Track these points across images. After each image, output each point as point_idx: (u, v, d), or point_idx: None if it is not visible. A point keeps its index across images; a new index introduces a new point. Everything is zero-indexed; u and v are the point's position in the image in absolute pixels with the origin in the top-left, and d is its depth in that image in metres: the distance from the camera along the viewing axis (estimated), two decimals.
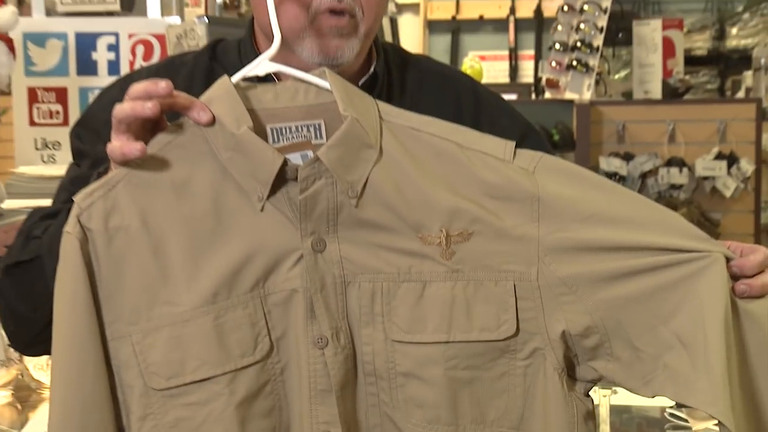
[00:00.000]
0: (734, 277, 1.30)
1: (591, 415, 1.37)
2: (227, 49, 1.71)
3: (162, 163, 1.33)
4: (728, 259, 1.30)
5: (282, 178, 1.32)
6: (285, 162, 1.31)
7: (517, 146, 1.38)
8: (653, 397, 1.32)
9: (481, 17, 9.01)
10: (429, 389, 1.34)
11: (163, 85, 1.30)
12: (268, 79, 1.50)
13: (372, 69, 1.69)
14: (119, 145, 1.31)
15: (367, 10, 1.59)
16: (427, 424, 1.34)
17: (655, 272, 1.29)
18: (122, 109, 1.31)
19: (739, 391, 1.26)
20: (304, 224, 1.33)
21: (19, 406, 2.39)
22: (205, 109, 1.33)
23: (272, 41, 1.53)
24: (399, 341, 1.34)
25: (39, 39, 4.08)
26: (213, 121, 1.33)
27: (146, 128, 1.34)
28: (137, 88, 1.31)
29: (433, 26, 9.16)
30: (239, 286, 1.33)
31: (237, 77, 1.39)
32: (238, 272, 1.33)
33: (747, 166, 5.18)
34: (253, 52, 1.64)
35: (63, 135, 4.04)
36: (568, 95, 5.62)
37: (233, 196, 1.33)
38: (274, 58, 1.43)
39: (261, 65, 1.41)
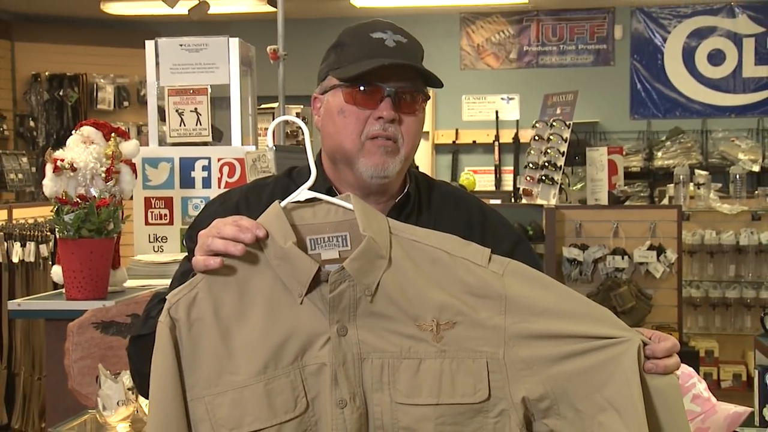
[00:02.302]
0: (647, 358, 1.30)
1: None
2: (301, 172, 1.70)
3: (230, 270, 1.35)
4: (644, 344, 1.30)
5: (317, 280, 1.33)
6: (319, 269, 1.33)
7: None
8: None
9: (474, 142, 9.03)
10: None
11: (248, 237, 1.33)
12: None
13: (406, 189, 1.69)
14: (203, 259, 1.34)
15: (407, 138, 1.60)
16: None
17: (590, 353, 1.30)
18: (216, 244, 1.34)
19: None
20: (332, 315, 1.34)
21: None
22: (261, 229, 1.34)
23: (339, 162, 1.57)
24: (401, 403, 1.34)
25: (153, 162, 4.12)
26: (266, 237, 1.34)
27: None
28: (228, 231, 1.34)
29: (438, 149, 9.16)
30: (283, 359, 1.34)
31: (284, 203, 1.40)
32: (282, 349, 1.34)
33: (671, 255, 5.16)
34: (321, 175, 1.64)
35: (169, 232, 4.08)
36: (539, 201, 5.62)
37: (280, 292, 1.35)
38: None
39: (302, 194, 1.42)
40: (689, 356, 4.87)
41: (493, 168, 8.85)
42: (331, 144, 1.64)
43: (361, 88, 1.58)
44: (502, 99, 8.92)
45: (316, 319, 1.34)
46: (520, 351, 1.32)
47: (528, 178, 5.77)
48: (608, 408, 1.29)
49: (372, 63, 1.56)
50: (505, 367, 1.33)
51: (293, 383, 1.34)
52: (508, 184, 8.59)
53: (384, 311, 1.34)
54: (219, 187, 4.04)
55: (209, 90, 4.18)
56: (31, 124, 8.60)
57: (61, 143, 3.51)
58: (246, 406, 1.33)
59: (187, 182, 4.11)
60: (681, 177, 5.92)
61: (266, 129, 5.39)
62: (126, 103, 8.87)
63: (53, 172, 3.04)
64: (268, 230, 1.35)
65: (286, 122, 5.24)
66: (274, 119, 5.62)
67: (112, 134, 3.19)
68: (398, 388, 1.34)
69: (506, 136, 8.81)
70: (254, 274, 1.35)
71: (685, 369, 2.04)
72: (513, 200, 6.62)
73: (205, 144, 4.20)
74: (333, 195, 1.48)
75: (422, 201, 1.71)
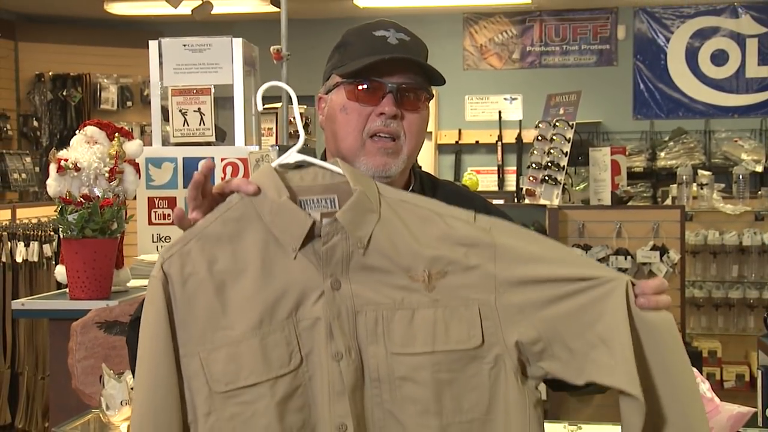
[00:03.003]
0: (636, 295, 1.32)
1: (539, 402, 1.37)
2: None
3: (222, 225, 1.35)
4: (633, 284, 1.32)
5: (309, 235, 1.34)
6: (314, 223, 1.33)
7: None
8: (585, 384, 1.33)
9: (477, 142, 9.02)
10: (420, 388, 1.34)
11: (252, 188, 1.34)
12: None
13: (410, 188, 1.69)
14: (244, 182, 1.35)
15: (409, 136, 1.61)
16: (420, 415, 1.34)
17: (580, 294, 1.32)
18: (234, 182, 1.36)
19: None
20: (325, 269, 1.34)
21: None
22: (252, 184, 1.35)
23: (340, 159, 1.56)
24: (396, 353, 1.34)
25: (157, 162, 4.12)
26: (258, 192, 1.35)
27: (214, 205, 1.37)
28: (234, 182, 1.36)
29: (441, 149, 9.16)
30: (278, 314, 1.34)
31: (275, 164, 1.41)
32: (277, 304, 1.34)
33: (674, 255, 5.15)
34: None
35: (172, 231, 4.07)
36: (542, 201, 5.61)
37: (273, 248, 1.35)
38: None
39: (291, 156, 1.42)
40: (692, 356, 4.85)
41: (495, 168, 8.84)
42: (333, 142, 1.64)
43: (363, 84, 1.59)
44: (505, 99, 8.93)
45: (309, 273, 1.34)
46: (511, 296, 1.34)
47: (531, 179, 5.76)
48: (599, 344, 1.30)
49: (372, 58, 1.57)
50: (497, 312, 1.34)
51: (287, 338, 1.34)
52: (510, 185, 8.58)
53: (376, 264, 1.35)
54: None
55: (212, 90, 4.18)
56: (35, 124, 8.61)
57: (64, 143, 3.51)
58: (242, 361, 1.33)
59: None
60: (684, 177, 5.91)
61: (270, 129, 5.40)
62: (129, 103, 8.88)
63: (57, 172, 3.04)
64: (261, 187, 1.35)
65: (289, 122, 5.24)
66: (277, 119, 5.62)
67: (116, 134, 3.19)
68: (393, 339, 1.34)
69: (509, 137, 8.80)
70: (247, 230, 1.35)
71: None
72: (516, 200, 6.61)
73: (208, 144, 4.21)
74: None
75: None
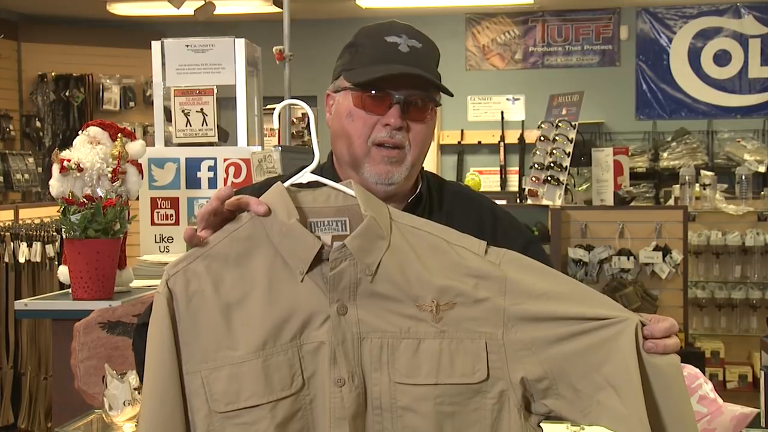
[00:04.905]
0: (645, 338, 1.30)
1: None
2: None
3: (230, 244, 1.35)
4: (643, 324, 1.30)
5: (318, 259, 1.33)
6: (322, 246, 1.33)
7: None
8: (590, 425, 1.32)
9: (479, 142, 9.02)
10: (421, 419, 1.33)
11: (263, 209, 1.34)
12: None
13: (418, 190, 1.69)
14: (255, 202, 1.36)
15: (414, 146, 1.60)
16: None
17: (588, 334, 1.30)
18: (244, 200, 1.36)
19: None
20: (332, 294, 1.33)
21: None
22: (263, 205, 1.34)
23: (345, 164, 1.57)
24: (400, 383, 1.33)
25: (159, 162, 4.13)
26: (269, 213, 1.34)
27: (224, 223, 1.37)
28: (245, 200, 1.36)
29: (444, 149, 9.15)
30: (282, 337, 1.33)
31: (287, 183, 1.41)
32: (281, 327, 1.33)
33: (677, 255, 5.15)
34: (331, 173, 1.65)
35: (175, 232, 4.08)
36: (545, 202, 5.62)
37: (280, 269, 1.34)
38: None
39: (305, 176, 1.43)
40: (695, 357, 4.86)
41: (498, 168, 8.83)
42: (338, 146, 1.64)
43: (371, 92, 1.58)
44: (508, 99, 8.92)
45: (315, 297, 1.34)
46: (519, 332, 1.33)
47: (533, 179, 5.77)
48: (606, 387, 1.29)
49: (381, 71, 1.56)
50: (503, 347, 1.33)
51: (290, 361, 1.33)
52: (513, 185, 8.57)
53: (384, 292, 1.34)
54: None
55: (215, 90, 4.18)
56: (38, 124, 8.61)
57: (67, 144, 3.51)
58: (243, 382, 1.32)
59: (193, 182, 4.11)
60: (686, 178, 5.91)
61: (272, 129, 5.40)
62: (132, 104, 8.88)
63: (60, 172, 3.04)
64: (271, 208, 1.35)
65: (292, 122, 5.25)
66: (279, 119, 5.62)
67: (119, 135, 3.19)
68: (397, 368, 1.34)
69: (511, 137, 8.79)
70: (255, 251, 1.35)
71: (691, 370, 2.04)
72: (518, 201, 6.61)
73: (211, 144, 4.21)
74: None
75: (433, 201, 1.70)
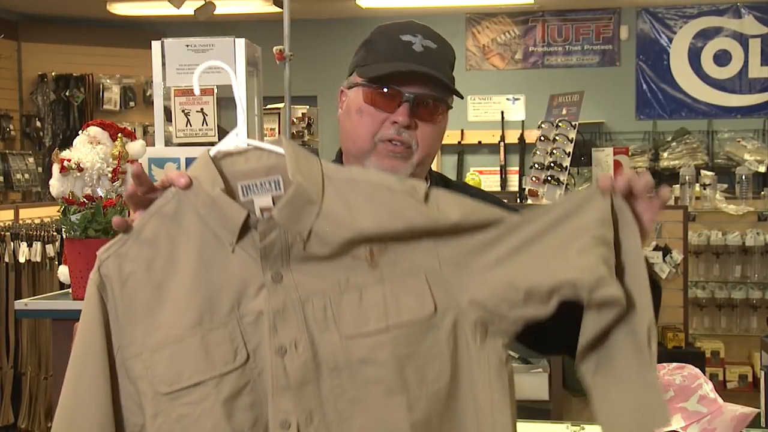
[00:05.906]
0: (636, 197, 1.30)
1: (505, 362, 1.31)
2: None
3: (158, 222, 1.31)
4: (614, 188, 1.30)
5: (247, 226, 1.29)
6: (248, 215, 1.29)
7: None
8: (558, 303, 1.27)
9: (479, 142, 9.03)
10: (381, 368, 1.29)
11: (183, 181, 1.30)
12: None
13: None
14: (175, 176, 1.31)
15: (422, 145, 1.59)
16: (385, 395, 1.29)
17: (526, 225, 1.29)
18: (163, 179, 1.32)
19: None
20: (265, 263, 1.29)
21: None
22: (184, 176, 1.29)
23: (351, 157, 1.57)
24: (351, 336, 1.29)
25: (159, 162, 4.12)
26: (190, 185, 1.29)
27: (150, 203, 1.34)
28: (162, 180, 1.32)
29: (444, 149, 9.09)
30: (219, 311, 1.30)
31: (212, 151, 1.35)
32: (216, 300, 1.30)
33: (677, 255, 5.16)
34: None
35: None
36: (545, 202, 5.62)
37: (211, 242, 1.30)
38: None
39: (227, 141, 1.36)
40: (695, 357, 4.86)
41: (498, 168, 8.84)
42: (346, 140, 1.65)
43: (381, 89, 1.58)
44: (508, 99, 8.93)
45: (248, 267, 1.30)
46: (451, 253, 1.30)
47: (533, 179, 5.77)
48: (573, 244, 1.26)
49: (392, 67, 1.56)
50: (442, 275, 1.30)
51: (231, 334, 1.30)
52: (513, 185, 8.57)
53: (318, 252, 1.30)
54: None
55: (215, 90, 4.18)
56: (38, 124, 8.62)
57: (67, 143, 3.52)
58: (184, 360, 1.29)
59: None
60: (687, 177, 5.92)
61: (273, 129, 5.40)
62: (132, 104, 8.89)
63: (60, 172, 3.05)
64: (197, 179, 1.30)
65: (292, 122, 5.25)
66: (280, 120, 5.63)
67: (119, 134, 3.20)
68: (345, 322, 1.30)
69: (512, 137, 8.80)
70: (184, 226, 1.31)
71: (692, 369, 2.05)
72: (518, 201, 6.62)
73: (211, 144, 4.19)
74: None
75: None
